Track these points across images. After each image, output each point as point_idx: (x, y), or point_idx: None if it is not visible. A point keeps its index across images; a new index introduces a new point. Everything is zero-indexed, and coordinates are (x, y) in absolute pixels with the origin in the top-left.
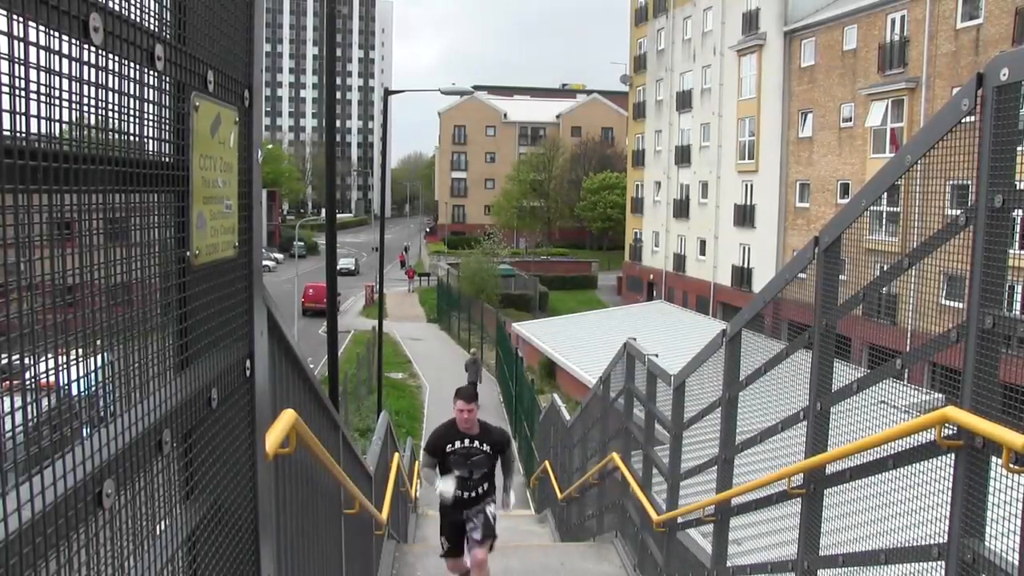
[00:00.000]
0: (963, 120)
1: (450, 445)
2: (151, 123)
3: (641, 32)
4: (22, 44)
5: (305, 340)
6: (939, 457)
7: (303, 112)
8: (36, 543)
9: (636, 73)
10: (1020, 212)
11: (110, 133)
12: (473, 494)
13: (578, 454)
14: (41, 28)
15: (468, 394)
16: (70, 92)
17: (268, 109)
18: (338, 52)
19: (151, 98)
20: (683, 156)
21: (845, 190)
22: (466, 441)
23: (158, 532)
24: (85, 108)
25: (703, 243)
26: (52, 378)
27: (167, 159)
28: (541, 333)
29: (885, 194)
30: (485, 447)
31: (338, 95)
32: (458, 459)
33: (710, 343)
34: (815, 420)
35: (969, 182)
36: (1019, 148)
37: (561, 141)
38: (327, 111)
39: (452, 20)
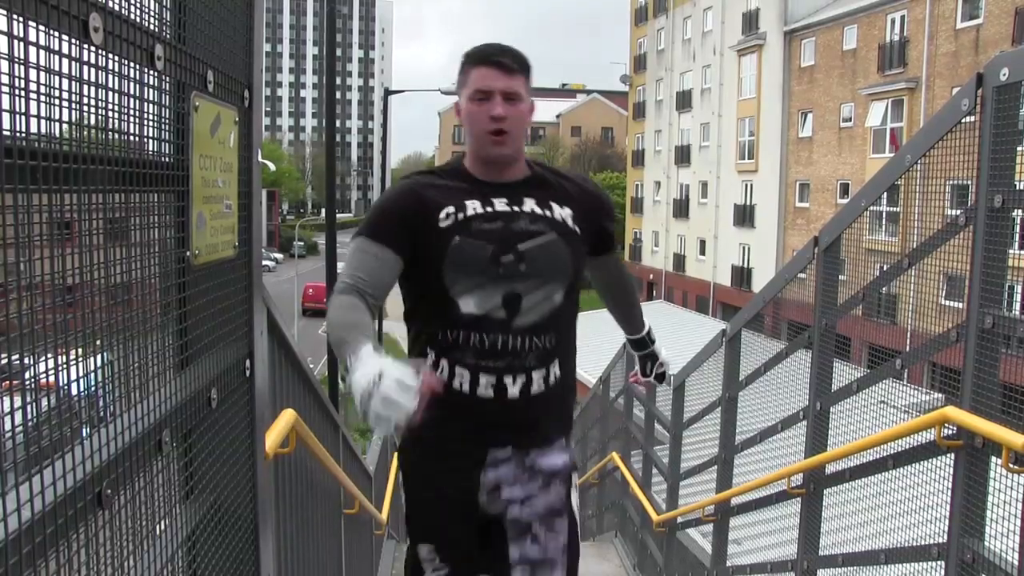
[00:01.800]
0: (963, 120)
1: (450, 210)
2: (151, 123)
3: (641, 32)
4: (22, 44)
5: (305, 340)
6: (939, 457)
7: (303, 112)
8: (36, 543)
9: (636, 73)
10: (1020, 212)
11: (110, 133)
12: (530, 390)
13: (577, 454)
14: (41, 28)
15: (502, 53)
16: (70, 92)
17: (268, 109)
18: (338, 52)
19: (151, 98)
20: (683, 156)
21: (845, 190)
22: (496, 202)
23: (158, 532)
24: (85, 108)
25: (703, 243)
26: (52, 378)
27: (167, 159)
28: None
29: (885, 194)
30: (557, 214)
31: (338, 95)
32: (475, 254)
33: (710, 343)
34: (815, 420)
35: (969, 182)
36: (1019, 148)
37: (561, 141)
38: (327, 111)
39: (458, 20)
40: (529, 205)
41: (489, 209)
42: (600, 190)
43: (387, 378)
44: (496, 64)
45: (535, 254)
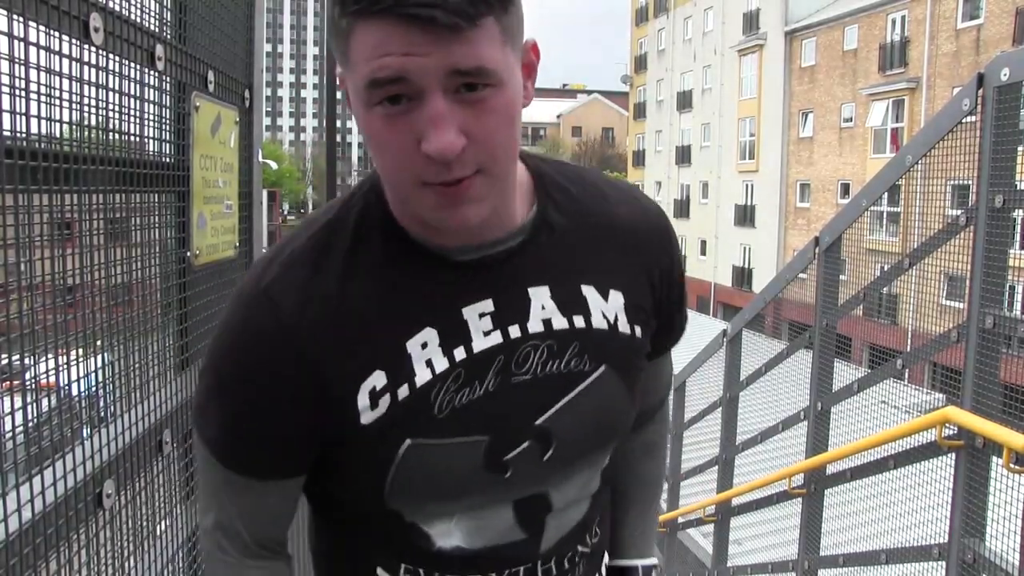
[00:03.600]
0: (964, 120)
1: (376, 382)
2: (152, 123)
3: (642, 32)
4: (22, 44)
5: None
6: (940, 457)
7: (303, 112)
8: (36, 543)
9: (636, 73)
10: (1020, 212)
11: (110, 133)
12: None
13: None
14: (41, 28)
15: None
16: (70, 92)
17: (268, 109)
18: None
19: (151, 98)
20: (683, 156)
21: (846, 190)
22: (473, 322)
23: (158, 532)
24: (85, 108)
25: (703, 243)
26: (53, 379)
27: (167, 159)
28: None
29: (885, 194)
30: (599, 312)
31: (339, 95)
32: (451, 465)
33: (710, 343)
34: (815, 420)
35: (969, 182)
36: (1019, 148)
37: (561, 141)
38: (327, 111)
39: None
40: (541, 311)
41: (462, 352)
42: (664, 220)
43: None
44: (413, 16)
45: (570, 424)
